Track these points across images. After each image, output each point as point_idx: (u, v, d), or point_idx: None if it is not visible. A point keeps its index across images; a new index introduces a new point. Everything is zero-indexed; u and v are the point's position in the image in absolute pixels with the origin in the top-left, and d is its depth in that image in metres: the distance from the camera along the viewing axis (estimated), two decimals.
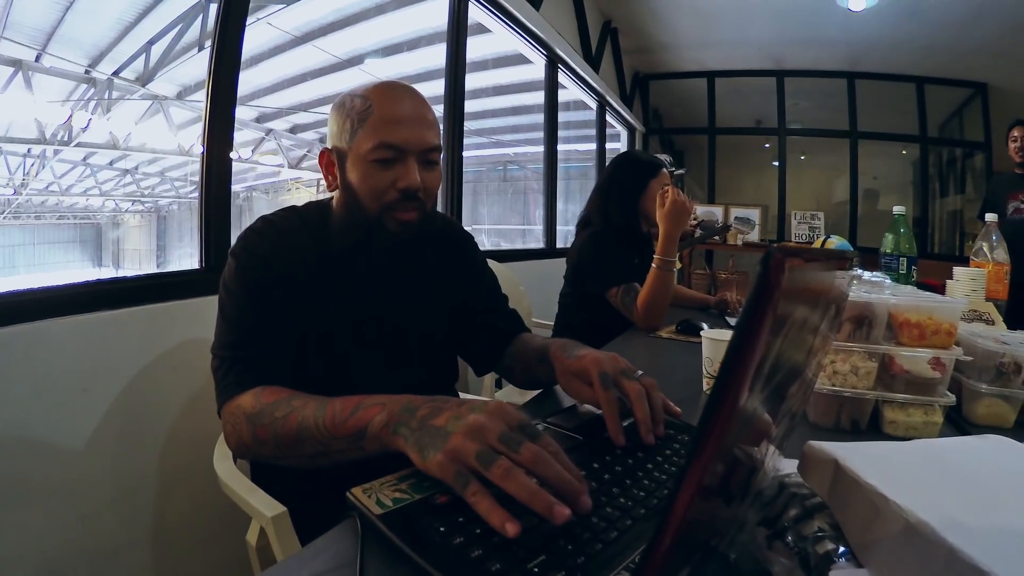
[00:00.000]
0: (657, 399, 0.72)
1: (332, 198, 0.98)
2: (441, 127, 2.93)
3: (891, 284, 1.11)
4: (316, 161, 0.98)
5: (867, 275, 1.15)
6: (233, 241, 1.01)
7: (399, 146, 0.87)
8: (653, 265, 1.64)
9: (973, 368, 0.92)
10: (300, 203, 1.01)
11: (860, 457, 0.45)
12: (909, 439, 0.77)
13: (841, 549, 0.40)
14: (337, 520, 0.53)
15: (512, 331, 1.10)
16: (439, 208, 2.81)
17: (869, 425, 0.86)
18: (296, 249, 0.91)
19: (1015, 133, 3.44)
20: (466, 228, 1.23)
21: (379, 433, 0.61)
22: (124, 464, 1.24)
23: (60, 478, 1.15)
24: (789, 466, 0.53)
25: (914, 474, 0.45)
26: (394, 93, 0.90)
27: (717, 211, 5.32)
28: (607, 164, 2.00)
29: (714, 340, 1.01)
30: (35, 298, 1.18)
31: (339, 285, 0.93)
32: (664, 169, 1.92)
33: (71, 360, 1.18)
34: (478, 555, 0.43)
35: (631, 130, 6.05)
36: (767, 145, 6.43)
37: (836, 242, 2.51)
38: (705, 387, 1.06)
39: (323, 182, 0.99)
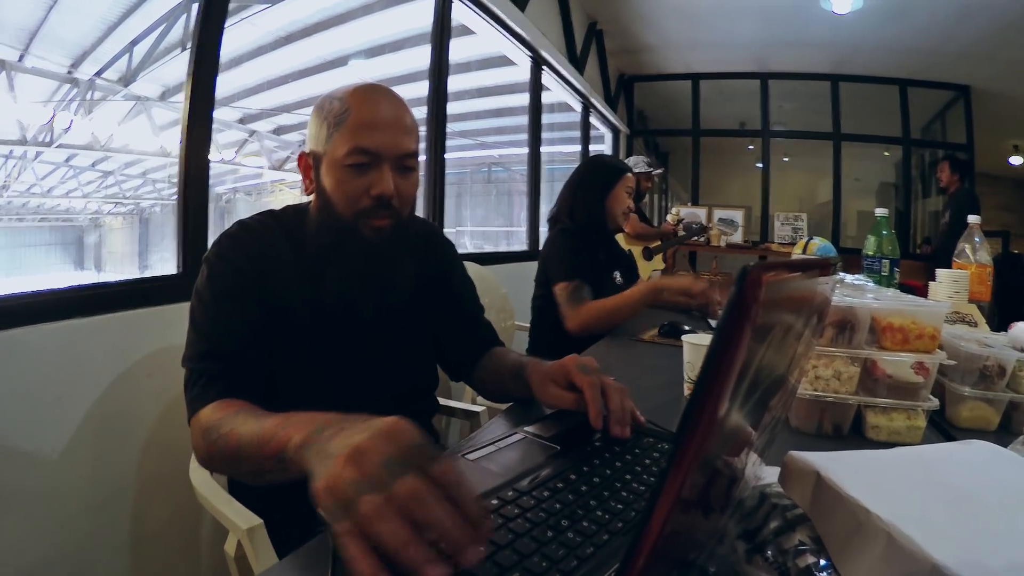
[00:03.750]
0: (628, 403, 0.73)
1: (310, 202, 0.96)
2: (423, 129, 2.93)
3: (874, 287, 1.11)
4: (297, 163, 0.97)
5: (849, 278, 1.15)
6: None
7: (374, 151, 0.86)
8: (630, 295, 1.69)
9: (956, 371, 0.92)
10: (278, 207, 0.99)
11: (842, 468, 0.45)
12: (892, 444, 0.77)
13: (823, 562, 0.39)
14: (315, 531, 0.52)
15: (487, 343, 1.09)
16: (421, 210, 2.81)
17: (851, 430, 0.86)
18: (271, 254, 0.89)
19: (939, 167, 4.17)
20: (449, 230, 1.22)
21: (294, 455, 0.54)
22: (101, 472, 1.21)
23: (36, 486, 1.12)
24: (771, 474, 0.52)
25: (897, 485, 0.44)
26: (372, 96, 0.88)
27: (700, 212, 5.35)
28: (578, 167, 2.06)
29: (695, 345, 1.00)
30: (10, 305, 1.15)
31: (314, 290, 0.91)
32: (629, 173, 1.98)
33: (46, 368, 1.16)
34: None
35: (615, 132, 6.08)
36: (751, 147, 6.48)
37: (819, 243, 2.52)
38: (686, 391, 1.05)
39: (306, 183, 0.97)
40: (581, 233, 1.90)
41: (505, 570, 0.42)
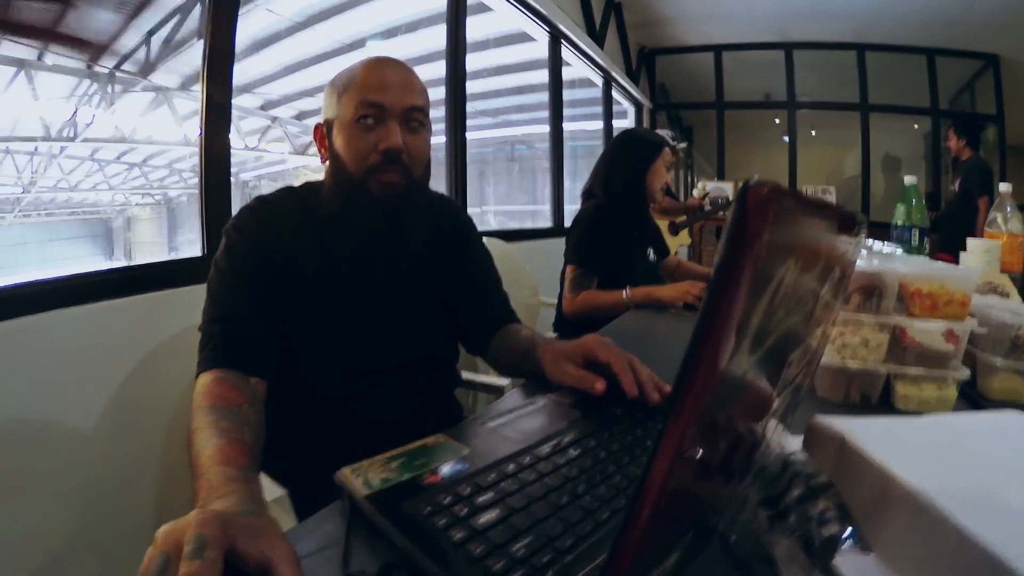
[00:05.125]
0: (654, 375, 0.75)
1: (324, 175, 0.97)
2: (442, 110, 2.91)
3: (903, 255, 1.07)
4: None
5: (878, 245, 1.11)
6: None
7: (379, 104, 0.87)
8: (624, 293, 1.70)
9: (987, 341, 0.88)
10: (297, 184, 1.00)
11: (868, 433, 0.43)
12: (921, 415, 0.75)
13: (848, 531, 0.38)
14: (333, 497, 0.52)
15: (500, 319, 1.08)
16: (443, 190, 2.80)
17: (880, 400, 0.83)
18: (287, 225, 0.91)
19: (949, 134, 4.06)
20: (473, 209, 1.21)
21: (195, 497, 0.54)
22: (125, 453, 1.24)
23: (62, 468, 1.15)
24: (795, 444, 0.51)
25: (925, 451, 0.42)
26: (377, 61, 0.92)
27: (727, 187, 5.25)
28: (612, 138, 1.99)
29: None
30: (37, 290, 1.18)
31: (327, 253, 0.92)
32: (667, 147, 1.95)
33: (73, 351, 1.19)
34: (461, 536, 0.42)
35: (638, 106, 5.96)
36: (776, 120, 6.32)
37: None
38: None
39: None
40: (614, 208, 1.88)
41: (521, 532, 0.42)
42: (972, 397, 0.89)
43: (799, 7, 4.91)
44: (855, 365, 0.81)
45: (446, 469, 0.51)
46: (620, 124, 5.83)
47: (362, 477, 0.51)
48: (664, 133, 4.07)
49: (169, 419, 1.28)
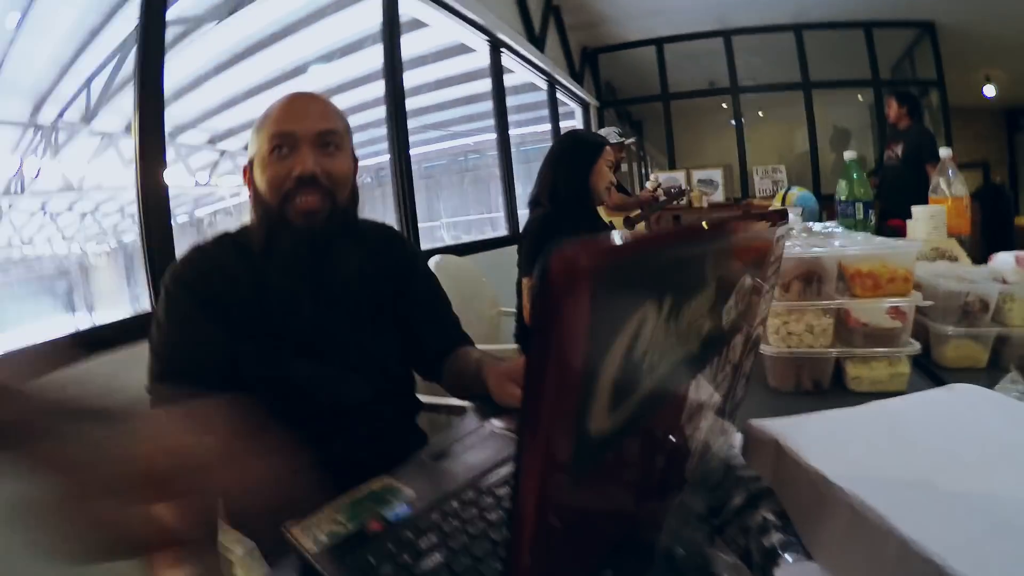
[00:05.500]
0: None
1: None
2: (384, 129, 2.89)
3: (843, 233, 1.08)
4: None
5: (817, 227, 1.13)
6: None
7: (290, 132, 0.88)
8: None
9: (937, 311, 0.89)
10: (227, 230, 0.97)
11: (803, 434, 0.43)
12: (875, 395, 0.74)
13: (790, 539, 0.38)
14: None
15: (452, 343, 1.06)
16: (390, 209, 2.78)
17: (832, 383, 0.83)
18: (224, 270, 0.89)
19: (888, 100, 4.16)
20: (426, 224, 1.20)
21: None
22: None
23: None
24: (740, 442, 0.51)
25: (863, 449, 0.42)
26: (289, 96, 0.93)
27: (679, 176, 5.31)
28: (552, 144, 2.00)
29: None
30: None
31: (261, 292, 0.90)
32: (607, 146, 1.94)
33: None
34: None
35: (584, 105, 6.01)
36: (724, 105, 6.43)
37: (797, 193, 2.51)
38: None
39: None
40: (562, 214, 1.85)
41: (460, 574, 0.40)
42: (928, 368, 0.90)
43: None
44: (803, 352, 0.81)
45: (390, 515, 0.49)
46: (568, 124, 5.86)
47: (311, 533, 0.49)
48: (610, 131, 4.10)
49: None
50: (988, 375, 0.85)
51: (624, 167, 7.06)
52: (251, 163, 0.93)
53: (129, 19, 4.57)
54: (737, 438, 0.51)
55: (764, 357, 0.84)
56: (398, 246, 1.09)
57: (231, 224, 0.99)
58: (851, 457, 0.39)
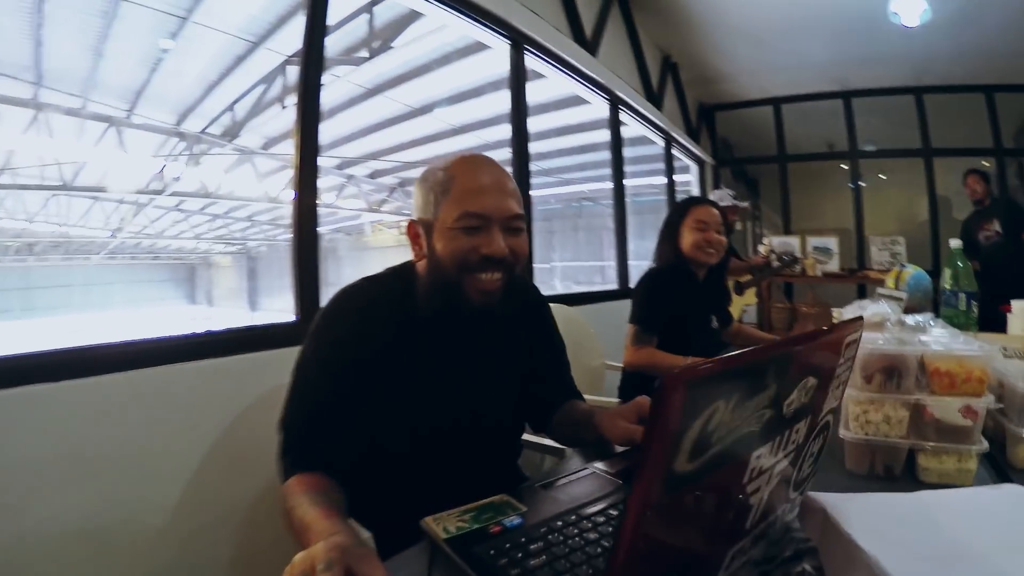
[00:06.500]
0: None
1: (414, 264, 1.02)
2: (508, 169, 3.09)
3: (936, 327, 1.12)
4: (395, 203, 1.12)
5: (911, 319, 1.16)
6: (323, 296, 1.14)
7: (483, 214, 0.91)
8: (686, 360, 1.78)
9: (1015, 411, 0.93)
10: (375, 271, 1.04)
11: (850, 508, 0.53)
12: (942, 485, 0.81)
13: None
14: (414, 541, 0.66)
15: (566, 398, 1.16)
16: None
17: (905, 471, 0.89)
18: (374, 322, 0.93)
19: (969, 180, 4.17)
20: (541, 266, 1.34)
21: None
22: (221, 492, 1.41)
23: (164, 502, 1.35)
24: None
25: (897, 527, 0.51)
26: (475, 164, 0.96)
27: (793, 241, 5.17)
28: None
29: None
30: (158, 347, 1.44)
31: (419, 344, 0.96)
32: (696, 207, 1.99)
33: (185, 400, 1.42)
34: (516, 573, 0.55)
35: (700, 163, 6.04)
36: (843, 166, 6.25)
37: (911, 272, 2.42)
38: None
39: (402, 224, 1.10)
40: (669, 275, 1.96)
41: (560, 573, 0.54)
42: (1001, 466, 0.93)
43: (854, 54, 4.91)
44: (877, 440, 0.88)
45: (507, 522, 0.64)
46: (683, 179, 5.97)
47: (442, 525, 0.64)
48: (723, 193, 4.11)
49: (263, 464, 1.45)
50: None
51: (739, 226, 6.97)
52: (425, 224, 0.96)
53: (272, 51, 5.14)
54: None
55: (844, 441, 0.92)
56: (537, 303, 1.18)
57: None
58: (883, 531, 0.49)
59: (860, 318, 0.65)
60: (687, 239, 1.94)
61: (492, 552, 0.58)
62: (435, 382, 0.97)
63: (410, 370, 0.95)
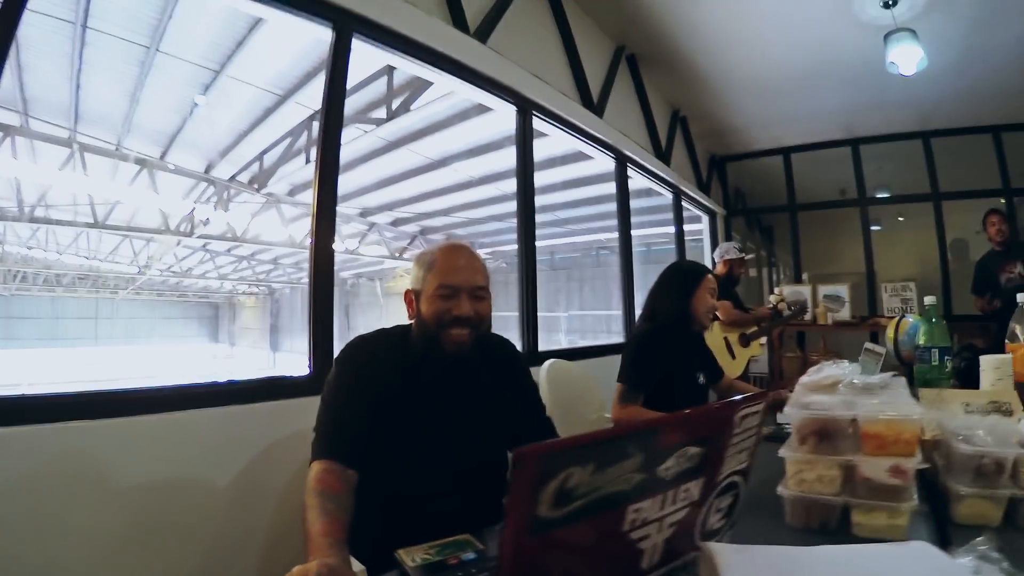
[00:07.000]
0: None
1: (412, 324, 1.33)
2: (514, 220, 3.25)
3: (888, 386, 1.17)
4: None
5: (858, 380, 1.22)
6: (337, 345, 1.54)
7: (454, 286, 1.25)
8: None
9: (955, 469, 1.00)
10: (389, 324, 1.37)
11: (735, 558, 0.63)
12: (875, 540, 0.89)
13: None
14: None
15: (544, 437, 1.36)
16: (514, 295, 3.07)
17: (840, 526, 0.97)
18: (380, 360, 1.26)
19: (992, 219, 4.18)
20: (545, 314, 1.54)
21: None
22: (241, 522, 1.56)
23: (191, 526, 1.54)
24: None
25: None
26: (452, 250, 1.31)
27: (804, 290, 5.21)
28: (660, 273, 2.23)
29: None
30: (180, 393, 1.64)
31: (411, 383, 1.25)
32: (709, 275, 2.14)
33: (210, 440, 1.61)
34: None
35: (711, 214, 6.14)
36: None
37: (911, 322, 2.44)
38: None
39: None
40: (663, 334, 2.07)
41: None
42: (942, 522, 0.99)
43: (860, 101, 5.00)
44: (812, 496, 0.97)
45: (464, 557, 0.78)
46: (694, 228, 6.10)
47: (411, 556, 0.79)
48: (729, 246, 4.21)
49: (277, 498, 1.57)
50: (1000, 535, 0.86)
51: (753, 272, 7.01)
52: (416, 293, 1.31)
53: (299, 105, 5.45)
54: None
55: (783, 498, 1.01)
56: (513, 361, 1.45)
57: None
58: None
59: (763, 393, 0.77)
60: (704, 303, 2.08)
61: None
62: (419, 415, 1.24)
63: (403, 402, 1.23)
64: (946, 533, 0.95)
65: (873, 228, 6.08)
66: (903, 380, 1.21)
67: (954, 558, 0.68)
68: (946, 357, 1.69)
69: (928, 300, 1.77)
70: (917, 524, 0.97)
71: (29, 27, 4.11)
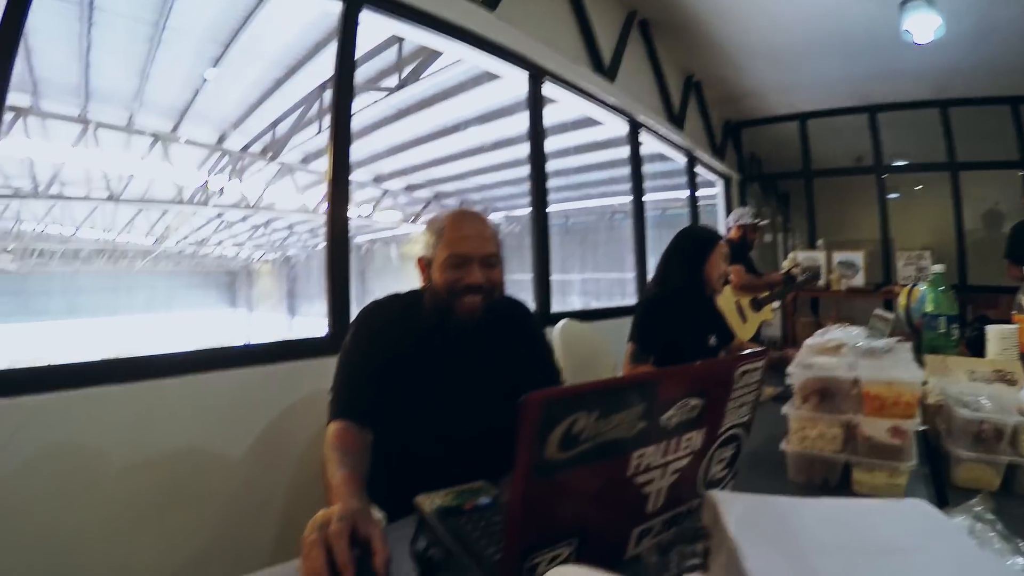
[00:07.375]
0: None
1: (425, 290, 1.35)
2: (527, 185, 3.27)
3: (893, 351, 1.20)
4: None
5: (863, 344, 1.25)
6: (353, 308, 1.62)
7: (465, 255, 1.26)
8: None
9: (955, 433, 1.03)
10: (403, 291, 1.40)
11: (737, 504, 0.67)
12: (875, 497, 0.91)
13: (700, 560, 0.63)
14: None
15: None
16: (526, 259, 3.10)
17: (841, 482, 1.01)
18: (395, 325, 1.30)
19: None
20: (558, 277, 1.57)
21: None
22: (260, 481, 1.63)
23: (211, 489, 1.59)
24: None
25: (771, 524, 0.62)
26: (461, 218, 1.31)
27: (819, 256, 5.17)
28: (672, 238, 2.24)
29: None
30: (207, 356, 1.69)
31: (424, 348, 1.28)
32: (722, 241, 2.16)
33: (229, 402, 1.66)
34: (476, 535, 0.74)
35: (726, 179, 6.10)
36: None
37: (922, 290, 2.44)
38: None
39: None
40: (671, 298, 2.11)
41: None
42: (940, 484, 1.02)
43: (875, 69, 4.90)
44: (814, 453, 1.01)
45: (479, 502, 0.82)
46: (708, 193, 6.08)
47: (429, 500, 0.83)
48: (744, 211, 4.19)
49: (297, 457, 1.63)
50: (996, 498, 0.87)
51: (768, 238, 6.96)
52: (427, 260, 1.32)
53: (309, 75, 5.43)
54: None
55: (787, 453, 1.05)
56: (526, 323, 1.47)
57: (403, 285, 1.42)
58: (758, 526, 0.62)
59: (763, 351, 0.80)
60: (716, 268, 2.11)
61: (463, 520, 0.77)
62: (432, 379, 1.27)
63: (417, 365, 1.26)
64: (944, 495, 0.98)
65: (891, 196, 6.00)
66: (907, 345, 1.24)
67: (950, 517, 0.70)
68: (953, 325, 1.70)
69: (936, 268, 1.77)
70: (917, 485, 1.01)
71: (35, 13, 4.11)
